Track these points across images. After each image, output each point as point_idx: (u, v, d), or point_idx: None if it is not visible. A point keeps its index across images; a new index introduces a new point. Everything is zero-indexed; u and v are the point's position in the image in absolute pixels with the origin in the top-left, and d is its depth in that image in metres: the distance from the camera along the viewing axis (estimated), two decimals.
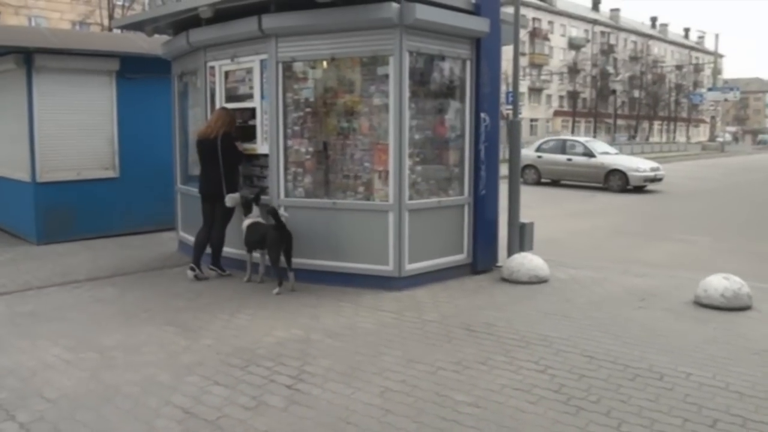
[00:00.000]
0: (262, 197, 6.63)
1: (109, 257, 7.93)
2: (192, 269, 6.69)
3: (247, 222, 6.49)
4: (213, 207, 6.68)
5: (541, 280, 6.67)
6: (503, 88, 16.45)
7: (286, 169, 6.59)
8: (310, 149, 6.54)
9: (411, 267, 6.28)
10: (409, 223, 6.18)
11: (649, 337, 4.90)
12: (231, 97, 7.09)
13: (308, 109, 6.52)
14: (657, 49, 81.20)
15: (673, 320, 5.38)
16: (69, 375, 4.13)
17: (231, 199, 6.53)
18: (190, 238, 7.41)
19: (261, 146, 6.77)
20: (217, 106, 7.07)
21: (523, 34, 42.37)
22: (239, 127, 6.76)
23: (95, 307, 5.77)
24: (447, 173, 6.84)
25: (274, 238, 6.08)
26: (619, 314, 5.54)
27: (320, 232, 6.39)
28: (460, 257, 6.85)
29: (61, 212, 8.83)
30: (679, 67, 76.51)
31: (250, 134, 6.80)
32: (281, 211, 6.19)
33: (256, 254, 6.58)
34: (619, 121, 70.52)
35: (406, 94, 6.04)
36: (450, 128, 6.81)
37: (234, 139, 6.57)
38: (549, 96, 69.68)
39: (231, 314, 5.48)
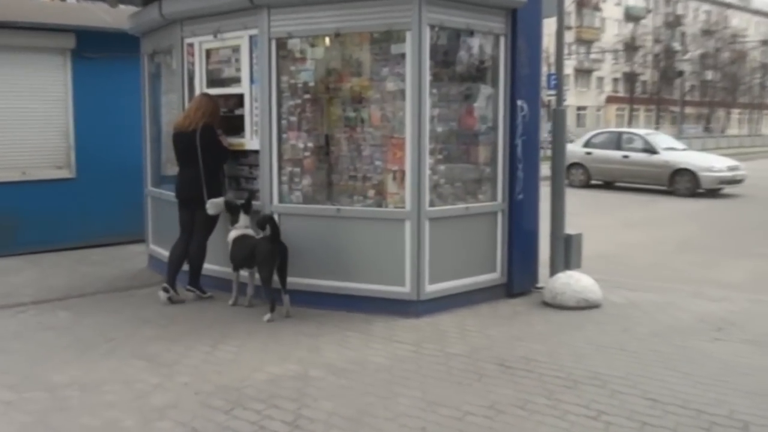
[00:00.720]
0: (253, 202, 6.73)
1: (63, 275, 7.95)
2: (165, 290, 6.70)
3: (233, 234, 6.52)
4: (192, 215, 6.73)
5: (591, 305, 6.68)
6: (544, 69, 16.42)
7: (280, 168, 6.64)
8: (310, 144, 6.59)
9: (432, 288, 6.33)
10: (429, 235, 6.23)
11: (728, 375, 4.86)
12: (214, 80, 7.10)
13: (307, 96, 6.57)
14: (737, 20, 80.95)
15: (758, 355, 5.35)
16: (9, 419, 4.10)
17: (213, 206, 6.57)
18: (164, 253, 7.40)
19: (250, 141, 6.82)
20: (197, 92, 7.08)
21: (569, 4, 42.40)
22: (224, 117, 6.83)
23: (44, 336, 5.76)
24: (476, 173, 6.89)
25: (267, 253, 6.10)
26: (690, 347, 5.50)
27: (321, 245, 6.44)
28: (493, 276, 6.90)
29: (2, 220, 8.87)
30: (766, 42, 76.12)
31: (236, 126, 6.86)
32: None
33: (244, 272, 6.63)
34: (688, 109, 70.41)
35: (427, 77, 6.09)
36: (480, 119, 6.85)
37: (217, 133, 6.65)
38: (600, 79, 69.75)
39: (212, 345, 5.50)
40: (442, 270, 6.39)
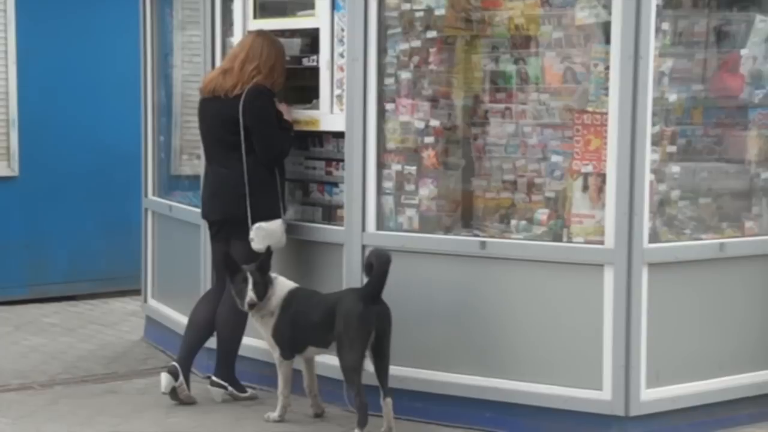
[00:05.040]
0: (329, 226, 5.51)
1: None
2: (172, 372, 5.24)
3: (283, 287, 5.20)
4: (228, 249, 5.54)
5: None
6: None
7: (380, 166, 5.40)
8: (434, 123, 5.41)
9: (654, 395, 4.95)
10: (649, 294, 4.92)
11: None
12: (267, 5, 5.87)
13: (432, 35, 5.42)
14: None
15: None
16: None
17: (263, 234, 5.29)
18: (174, 315, 6.28)
19: (329, 116, 5.55)
20: (238, 25, 5.78)
21: None
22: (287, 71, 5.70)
23: None
24: (740, 182, 5.53)
25: (355, 321, 4.79)
26: None
27: (452, 308, 5.18)
28: None
29: None
30: None
31: (304, 89, 5.74)
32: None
33: (310, 356, 5.21)
34: None
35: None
36: (751, 78, 5.42)
37: (276, 101, 5.44)
38: None
39: None
40: (672, 361, 5.05)
